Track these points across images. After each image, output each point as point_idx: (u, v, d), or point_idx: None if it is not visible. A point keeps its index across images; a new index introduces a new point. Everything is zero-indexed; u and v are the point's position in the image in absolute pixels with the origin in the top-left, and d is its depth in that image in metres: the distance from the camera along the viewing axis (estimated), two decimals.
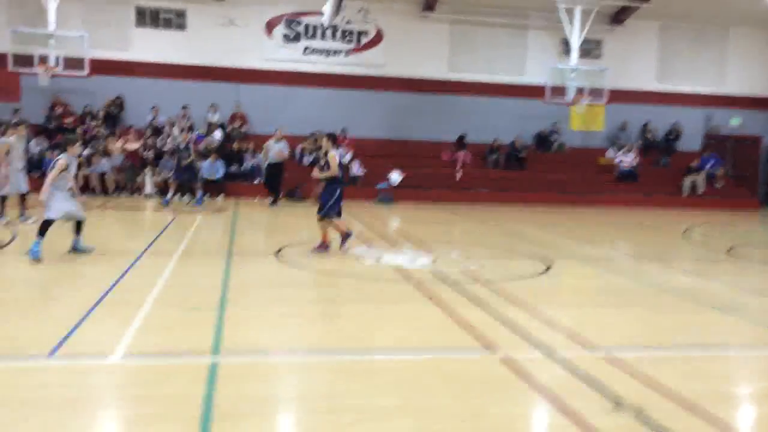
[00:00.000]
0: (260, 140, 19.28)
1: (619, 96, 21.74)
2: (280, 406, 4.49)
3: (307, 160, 20.77)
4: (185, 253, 9.78)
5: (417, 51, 22.55)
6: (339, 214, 10.27)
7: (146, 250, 9.78)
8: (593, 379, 4.90)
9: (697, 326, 6.88)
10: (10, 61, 17.97)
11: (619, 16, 23.10)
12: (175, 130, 20.06)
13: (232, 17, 21.41)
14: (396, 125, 22.45)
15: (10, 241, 9.93)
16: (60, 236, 9.09)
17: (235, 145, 20.20)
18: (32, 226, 9.67)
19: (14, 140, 11.85)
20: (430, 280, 8.32)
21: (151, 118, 20.37)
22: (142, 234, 12.46)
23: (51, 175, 8.56)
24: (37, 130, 18.79)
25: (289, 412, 4.43)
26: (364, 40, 22.33)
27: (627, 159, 22.43)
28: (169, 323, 6.05)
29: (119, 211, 14.98)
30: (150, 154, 18.93)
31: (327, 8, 17.15)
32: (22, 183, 11.94)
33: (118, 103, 20.46)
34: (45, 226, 8.57)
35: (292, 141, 20.83)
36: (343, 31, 22.06)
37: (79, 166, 17.06)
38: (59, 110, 20.06)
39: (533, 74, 22.51)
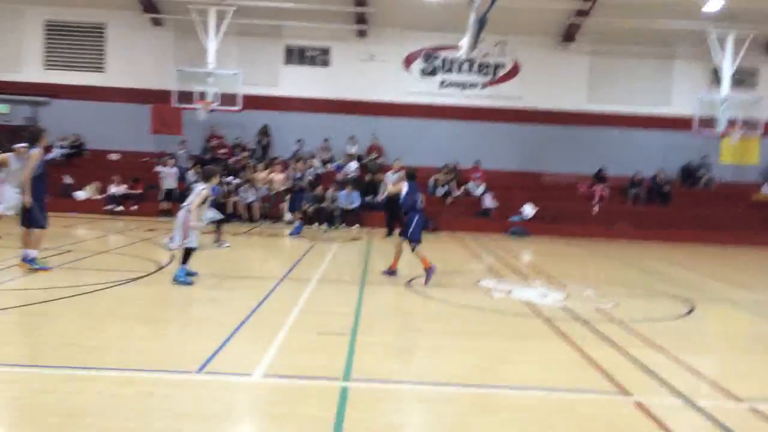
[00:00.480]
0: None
1: None
2: None
3: (440, 191, 21.01)
4: (321, 279, 10.22)
5: (554, 83, 22.29)
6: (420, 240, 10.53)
7: (286, 275, 10.34)
8: None
9: None
10: (174, 97, 19.80)
11: None
12: (316, 161, 21.08)
13: (373, 53, 22.28)
14: (531, 157, 22.21)
15: (168, 263, 10.86)
16: (214, 260, 9.83)
17: (371, 177, 20.85)
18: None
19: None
20: (561, 317, 8.16)
21: (296, 150, 21.54)
22: (282, 260, 13.15)
23: (195, 204, 9.08)
24: (195, 161, 20.41)
25: None
26: (501, 73, 22.40)
27: None
28: (304, 346, 6.37)
29: (263, 237, 15.91)
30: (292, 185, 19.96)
31: (464, 42, 17.39)
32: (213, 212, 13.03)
33: (266, 131, 21.75)
34: (189, 253, 9.16)
35: (426, 172, 21.20)
36: (480, 64, 22.26)
37: (228, 194, 18.43)
38: (214, 142, 21.72)
39: (679, 105, 21.53)
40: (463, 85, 22.44)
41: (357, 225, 18.58)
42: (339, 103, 22.18)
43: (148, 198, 19.77)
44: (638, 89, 22.34)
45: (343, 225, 18.60)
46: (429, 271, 10.16)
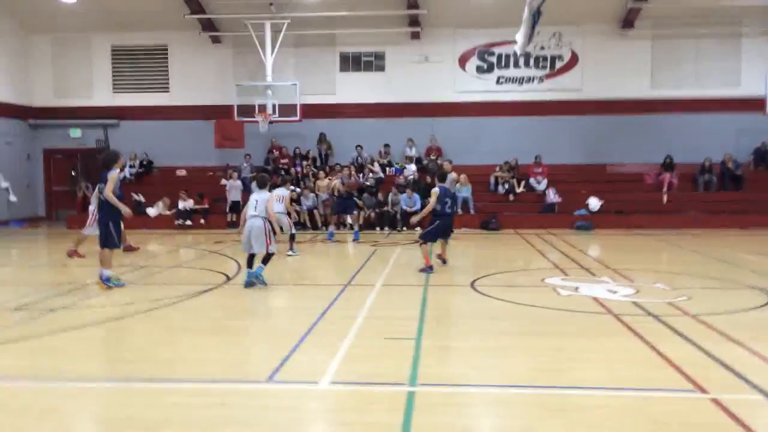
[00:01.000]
0: (456, 171, 19.65)
1: None
2: None
3: (502, 189, 20.79)
4: (385, 284, 10.28)
5: (615, 71, 21.73)
6: (435, 240, 11.51)
7: (350, 281, 10.44)
8: None
9: None
10: (235, 112, 20.32)
11: None
12: (376, 166, 21.22)
13: (427, 54, 22.25)
14: (593, 150, 21.71)
15: (236, 274, 11.13)
16: (279, 269, 10.02)
17: (430, 178, 20.77)
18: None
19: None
20: (631, 313, 7.94)
21: (355, 156, 21.73)
22: (346, 266, 13.28)
23: (270, 210, 9.74)
24: (257, 171, 20.83)
25: None
26: (559, 65, 22.01)
27: None
28: (370, 352, 6.42)
29: (325, 244, 16.10)
30: (354, 191, 20.12)
31: (519, 36, 17.18)
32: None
33: (324, 139, 22.00)
34: (269, 257, 9.79)
35: (486, 170, 21.03)
36: (537, 58, 21.93)
37: (291, 202, 18.70)
38: (276, 153, 22.16)
39: (750, 85, 20.67)
40: (520, 80, 22.14)
41: (418, 227, 18.54)
42: (396, 107, 22.25)
43: (214, 211, 20.33)
44: (705, 71, 21.53)
45: (404, 228, 18.63)
46: (427, 268, 11.10)
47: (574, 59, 21.95)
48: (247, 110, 20.33)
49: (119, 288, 9.75)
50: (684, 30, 21.19)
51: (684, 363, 5.87)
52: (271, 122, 20.35)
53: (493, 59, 22.19)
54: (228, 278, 10.74)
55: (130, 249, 13.79)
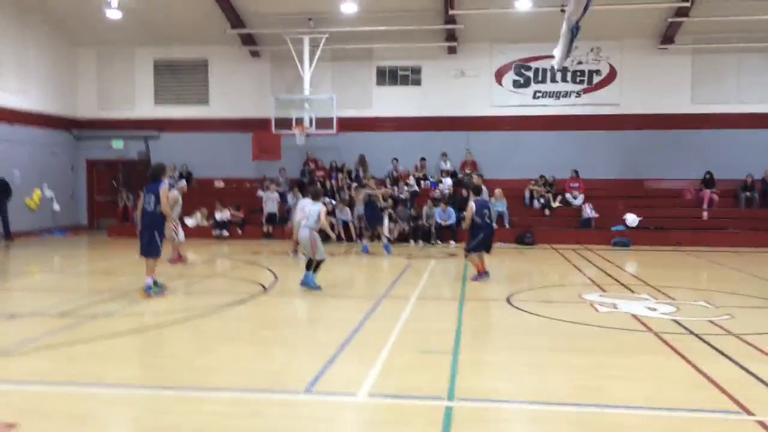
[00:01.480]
0: (491, 185, 19.60)
1: None
2: None
3: (537, 203, 20.63)
4: (420, 297, 10.26)
5: (655, 85, 21.47)
6: (481, 251, 11.56)
7: (385, 294, 10.45)
8: None
9: None
10: (273, 124, 20.58)
11: None
12: (411, 180, 21.25)
13: (464, 69, 22.26)
14: (631, 164, 21.43)
15: (274, 283, 11.23)
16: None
17: (465, 192, 20.73)
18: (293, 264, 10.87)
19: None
20: (672, 331, 7.79)
21: (390, 169, 21.80)
22: (381, 279, 13.30)
23: (323, 219, 10.32)
24: (293, 184, 21.06)
25: None
26: (597, 79, 21.82)
27: None
28: (407, 365, 6.41)
29: (360, 256, 16.14)
30: (389, 203, 20.16)
31: (557, 51, 17.10)
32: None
33: (364, 161, 22.08)
34: (319, 264, 10.41)
35: (522, 184, 20.91)
36: (574, 72, 21.79)
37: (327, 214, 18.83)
38: (311, 165, 22.35)
39: None
40: (557, 95, 21.99)
41: (452, 241, 18.52)
42: (432, 121, 22.28)
43: (251, 222, 20.56)
44: (746, 86, 21.13)
45: (439, 241, 18.60)
46: (480, 274, 11.38)
47: (612, 74, 21.74)
48: (284, 123, 20.57)
49: (159, 297, 9.91)
50: (725, 44, 20.85)
51: (727, 383, 5.74)
52: (307, 135, 20.55)
53: (530, 73, 22.10)
54: (264, 288, 10.84)
55: (178, 260, 13.83)
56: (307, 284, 10.34)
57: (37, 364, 6.44)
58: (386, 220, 18.99)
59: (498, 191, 19.19)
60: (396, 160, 21.89)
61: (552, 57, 17.83)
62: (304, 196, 16.78)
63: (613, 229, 19.04)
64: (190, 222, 20.30)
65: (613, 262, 14.92)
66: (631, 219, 19.05)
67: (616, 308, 9.23)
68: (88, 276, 13.46)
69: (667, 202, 20.34)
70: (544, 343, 7.40)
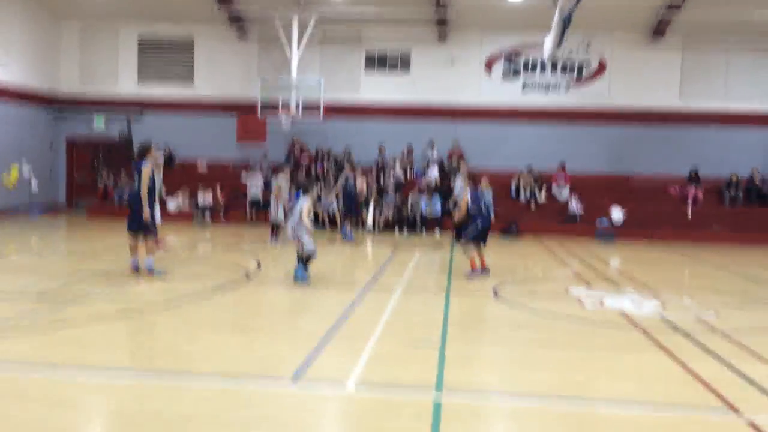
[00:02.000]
0: (476, 174, 19.52)
1: None
2: None
3: (524, 195, 20.61)
4: (406, 288, 10.17)
5: (644, 80, 21.50)
6: (478, 241, 11.08)
7: (371, 284, 10.35)
8: None
9: None
10: (259, 107, 20.32)
11: None
12: (397, 168, 21.13)
13: (453, 57, 22.12)
14: (618, 159, 21.49)
15: (256, 269, 11.08)
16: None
17: (452, 182, 20.66)
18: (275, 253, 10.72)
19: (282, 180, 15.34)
20: (659, 328, 7.78)
21: (377, 157, 21.64)
22: (366, 268, 13.20)
23: (305, 216, 9.75)
24: (277, 169, 20.79)
25: None
26: (586, 73, 21.80)
27: None
28: (394, 357, 6.33)
29: (345, 245, 16.02)
30: (373, 192, 20.04)
31: (548, 42, 17.03)
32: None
33: (350, 157, 21.86)
34: (309, 258, 9.88)
35: (509, 176, 20.88)
36: (564, 64, 21.74)
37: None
38: (297, 151, 22.12)
39: None
40: (546, 87, 21.95)
41: (437, 228, 18.45)
42: (420, 109, 22.15)
43: (234, 206, 20.33)
44: (735, 84, 21.25)
45: (425, 231, 18.53)
46: (476, 270, 10.94)
47: (602, 67, 21.73)
48: (270, 107, 20.32)
49: (144, 280, 9.74)
50: (715, 42, 20.93)
51: (715, 381, 5.73)
52: (293, 120, 20.32)
53: (520, 64, 22.02)
54: (248, 275, 10.69)
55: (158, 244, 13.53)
56: (296, 277, 9.89)
57: (16, 346, 6.25)
58: (371, 209, 18.92)
59: (484, 180, 19.07)
60: (382, 147, 21.73)
61: (543, 47, 17.80)
62: (294, 184, 16.69)
63: (598, 223, 19.08)
64: (171, 205, 20.02)
65: (599, 257, 14.95)
66: (617, 214, 19.11)
67: (603, 304, 9.21)
68: (67, 257, 13.20)
69: (652, 198, 20.42)
70: (531, 337, 7.36)
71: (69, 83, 23.32)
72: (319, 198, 19.12)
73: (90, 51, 23.33)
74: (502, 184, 20.39)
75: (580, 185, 20.57)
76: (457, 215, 11.48)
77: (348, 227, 16.81)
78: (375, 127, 22.13)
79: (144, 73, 23.28)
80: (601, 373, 6.12)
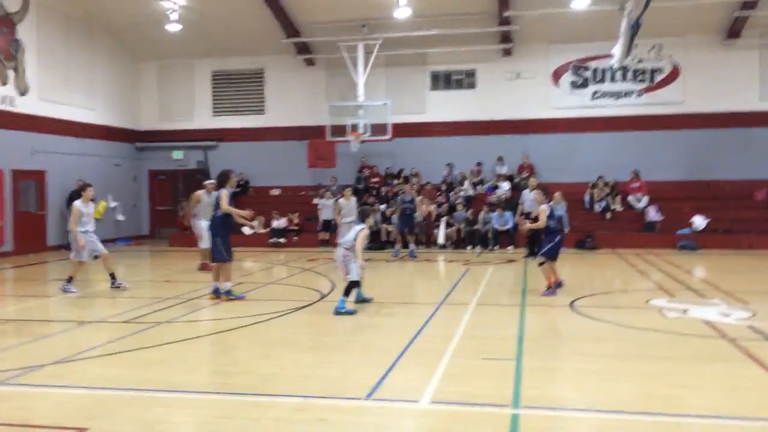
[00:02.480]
0: (550, 189, 19.18)
1: None
2: None
3: (598, 206, 20.11)
4: (480, 303, 10.09)
5: (720, 83, 20.71)
6: (554, 258, 10.56)
7: (444, 300, 10.32)
8: None
9: None
10: (328, 132, 20.72)
11: None
12: (466, 184, 21.05)
13: (519, 71, 21.96)
14: (697, 165, 20.69)
15: (330, 292, 11.24)
16: (372, 287, 10.05)
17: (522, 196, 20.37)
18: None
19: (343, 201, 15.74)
20: (749, 337, 7.42)
21: (445, 174, 21.64)
22: (439, 285, 13.17)
23: (359, 244, 9.34)
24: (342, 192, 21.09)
25: None
26: (659, 78, 21.21)
27: None
28: (469, 372, 6.27)
29: (417, 263, 16.03)
30: (443, 209, 20.02)
31: (617, 50, 16.69)
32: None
33: (410, 172, 21.96)
34: (352, 287, 9.47)
35: (581, 188, 20.44)
36: (635, 71, 21.22)
37: (382, 221, 18.82)
38: (366, 172, 22.38)
39: None
40: (617, 95, 21.45)
41: (510, 246, 18.23)
42: (487, 124, 22.04)
43: (307, 230, 20.71)
44: None
45: (497, 247, 18.34)
46: (551, 289, 10.38)
47: (675, 72, 21.07)
48: (339, 130, 20.70)
49: (227, 302, 10.04)
50: None
51: None
52: (362, 142, 20.61)
53: (589, 74, 21.64)
54: (322, 295, 10.85)
55: (205, 268, 13.45)
56: (336, 310, 9.16)
57: (105, 369, 6.57)
58: (442, 226, 18.90)
59: (557, 194, 18.74)
60: (450, 165, 21.71)
61: (611, 56, 17.45)
62: (358, 201, 16.92)
63: (679, 232, 18.39)
64: (247, 230, 20.58)
65: (681, 267, 14.39)
66: (699, 222, 18.38)
67: (686, 314, 8.86)
68: (151, 283, 13.76)
69: (736, 204, 19.53)
70: (611, 350, 7.15)
71: (149, 120, 24.48)
72: (390, 218, 19.26)
73: (167, 88, 24.45)
74: (575, 195, 19.97)
75: (657, 193, 19.91)
76: (532, 226, 11.03)
77: (412, 245, 16.79)
78: (443, 144, 22.16)
79: (218, 105, 24.18)
80: (685, 385, 5.87)
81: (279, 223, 20.51)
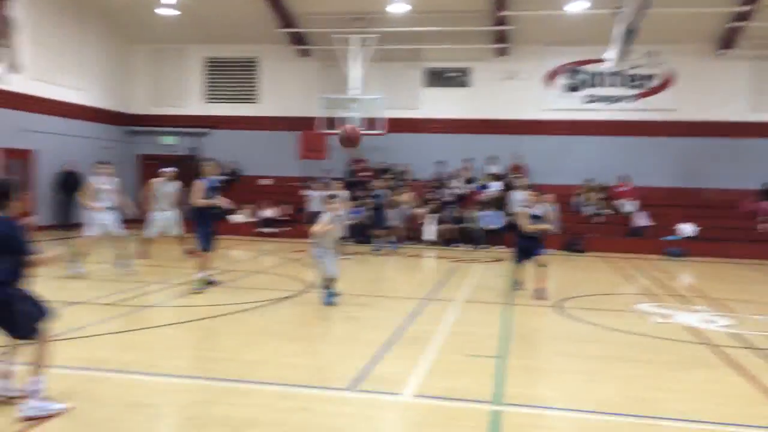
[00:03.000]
0: (542, 190, 19.24)
1: None
2: None
3: (586, 210, 20.20)
4: (466, 300, 10.12)
5: (712, 92, 20.84)
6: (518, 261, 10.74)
7: (430, 295, 10.34)
8: None
9: None
10: (320, 124, 20.66)
11: None
12: (456, 182, 21.07)
13: (514, 71, 21.98)
14: (686, 173, 20.82)
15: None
16: (358, 281, 10.03)
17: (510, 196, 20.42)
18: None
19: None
20: (731, 345, 7.49)
21: (436, 170, 21.65)
22: (425, 280, 13.19)
23: (317, 232, 8.96)
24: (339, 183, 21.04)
25: None
26: (652, 84, 21.30)
27: None
28: (453, 368, 6.30)
29: (404, 258, 16.05)
30: (432, 206, 20.01)
31: (611, 54, 16.77)
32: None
33: (405, 170, 22.01)
34: (330, 283, 9.21)
35: (571, 190, 20.52)
36: (629, 77, 21.28)
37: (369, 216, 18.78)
38: (357, 166, 22.34)
39: None
40: (610, 99, 21.53)
41: (501, 246, 18.27)
42: (480, 123, 22.06)
43: (296, 221, 20.65)
44: None
45: (486, 245, 18.38)
46: (542, 289, 10.29)
47: (669, 79, 21.17)
48: (331, 123, 20.63)
49: (204, 290, 10.00)
50: None
51: None
52: None
53: (583, 77, 21.69)
54: (307, 286, 10.84)
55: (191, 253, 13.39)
56: (326, 303, 9.14)
57: (91, 351, 6.53)
58: (430, 223, 18.92)
59: (547, 196, 18.76)
60: (441, 162, 21.72)
61: (605, 60, 17.51)
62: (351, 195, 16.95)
63: (666, 239, 18.50)
64: (235, 218, 20.51)
65: (667, 273, 14.50)
66: (687, 229, 18.49)
67: (670, 319, 8.93)
68: (138, 268, 13.65)
69: (723, 212, 19.68)
70: (595, 351, 7.19)
71: (140, 104, 24.27)
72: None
73: (159, 72, 24.25)
74: (565, 198, 20.03)
75: (646, 199, 20.00)
76: (520, 226, 11.04)
77: (379, 240, 17.13)
78: (435, 141, 22.16)
79: (211, 92, 24.04)
80: (668, 388, 5.91)
81: (268, 213, 20.44)
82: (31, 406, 4.67)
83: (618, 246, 18.44)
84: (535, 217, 10.48)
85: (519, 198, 17.43)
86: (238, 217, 20.60)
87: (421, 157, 21.98)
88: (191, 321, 8.15)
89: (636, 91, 21.36)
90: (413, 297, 10.20)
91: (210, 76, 24.05)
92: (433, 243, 18.79)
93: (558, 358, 6.97)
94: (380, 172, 22.04)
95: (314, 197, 20.23)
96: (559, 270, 14.81)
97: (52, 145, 19.81)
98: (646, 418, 5.10)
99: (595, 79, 21.58)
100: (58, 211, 19.69)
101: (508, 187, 20.33)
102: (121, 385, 5.52)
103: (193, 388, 5.51)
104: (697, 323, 8.63)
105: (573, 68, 21.75)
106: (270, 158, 23.14)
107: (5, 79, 18.20)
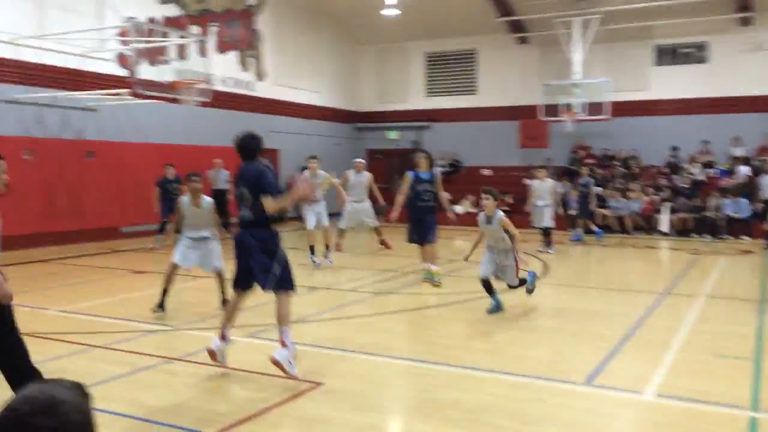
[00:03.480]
0: None
1: None
2: None
3: None
4: (710, 296, 9.32)
5: None
6: None
7: (669, 290, 9.68)
8: None
9: None
10: (540, 111, 20.26)
11: None
12: (692, 168, 19.42)
13: (761, 41, 19.65)
14: None
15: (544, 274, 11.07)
16: (588, 273, 9.68)
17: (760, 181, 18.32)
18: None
19: (537, 183, 14.58)
20: None
21: (669, 156, 20.15)
22: (662, 274, 12.37)
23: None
24: (561, 173, 20.48)
25: None
26: None
27: None
28: (699, 368, 5.86)
29: (638, 249, 15.16)
30: (666, 194, 18.64)
31: None
32: (546, 218, 14.22)
33: (632, 156, 20.77)
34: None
35: None
36: None
37: (600, 205, 17.87)
38: (581, 153, 21.55)
39: None
40: None
41: (745, 236, 16.49)
42: (720, 102, 20.04)
43: (517, 211, 20.47)
44: None
45: (728, 236, 16.69)
46: None
47: None
48: (552, 110, 20.13)
49: (438, 283, 10.17)
50: None
51: None
52: (578, 121, 19.84)
53: None
54: (536, 276, 10.71)
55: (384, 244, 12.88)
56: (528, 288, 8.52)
57: (331, 331, 7.13)
58: (665, 213, 17.64)
59: None
60: (675, 148, 20.12)
61: None
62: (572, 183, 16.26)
63: None
64: (458, 209, 20.88)
65: None
66: None
67: None
68: (371, 257, 14.55)
69: None
70: None
71: (367, 102, 25.75)
72: (606, 201, 18.36)
73: (384, 70, 25.50)
74: None
75: None
76: None
77: (578, 230, 16.23)
78: (667, 123, 20.58)
79: (431, 86, 24.73)
80: None
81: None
82: (280, 353, 5.30)
83: None
84: None
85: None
86: (460, 208, 20.96)
87: (651, 141, 20.57)
88: (422, 309, 8.50)
89: None
90: (649, 291, 9.61)
91: (430, 71, 24.75)
92: (665, 234, 17.51)
93: None
94: (605, 159, 21.06)
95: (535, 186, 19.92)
96: None
97: (292, 145, 21.76)
98: None
99: None
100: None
101: (757, 172, 18.26)
102: (362, 363, 5.95)
103: (427, 372, 5.76)
104: None
105: None
106: (490, 148, 23.20)
107: (253, 86, 20.39)
